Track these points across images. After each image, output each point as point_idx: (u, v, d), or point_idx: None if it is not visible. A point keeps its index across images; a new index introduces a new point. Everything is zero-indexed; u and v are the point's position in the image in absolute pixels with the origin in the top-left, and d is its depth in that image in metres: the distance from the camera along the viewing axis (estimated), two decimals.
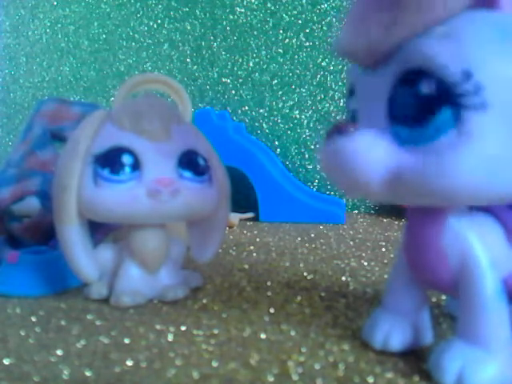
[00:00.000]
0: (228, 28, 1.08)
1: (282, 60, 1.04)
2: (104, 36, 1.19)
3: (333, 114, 1.01)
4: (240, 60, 1.07)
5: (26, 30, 1.28)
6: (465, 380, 0.24)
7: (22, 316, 0.35)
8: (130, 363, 0.28)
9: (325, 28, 1.01)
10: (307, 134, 1.02)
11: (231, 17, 1.07)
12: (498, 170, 0.21)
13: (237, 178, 0.64)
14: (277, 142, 1.04)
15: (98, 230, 0.45)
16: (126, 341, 0.31)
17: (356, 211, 1.01)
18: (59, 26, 1.24)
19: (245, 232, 0.75)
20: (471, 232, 0.25)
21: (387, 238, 0.69)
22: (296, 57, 1.03)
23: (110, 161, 0.35)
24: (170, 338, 0.31)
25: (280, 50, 1.04)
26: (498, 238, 0.26)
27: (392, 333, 0.29)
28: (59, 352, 0.29)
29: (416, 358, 0.29)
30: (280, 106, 1.04)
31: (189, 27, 1.11)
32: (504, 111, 0.20)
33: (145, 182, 0.35)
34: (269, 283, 0.45)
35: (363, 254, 0.58)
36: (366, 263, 0.53)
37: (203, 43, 1.10)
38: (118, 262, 0.39)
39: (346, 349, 0.30)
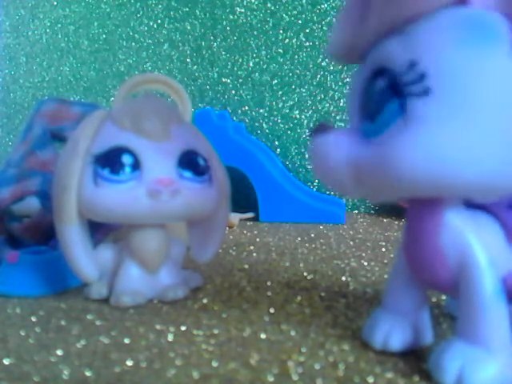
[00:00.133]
0: (228, 28, 1.08)
1: (281, 60, 1.04)
2: (104, 36, 1.19)
3: (333, 114, 1.01)
4: (240, 60, 1.07)
5: (26, 30, 1.28)
6: (465, 380, 0.24)
7: (22, 316, 0.35)
8: (129, 363, 0.28)
9: (325, 28, 1.01)
10: (307, 133, 1.02)
11: (231, 17, 1.07)
12: (446, 156, 0.20)
13: (237, 178, 0.64)
14: (277, 142, 1.04)
15: (98, 230, 0.45)
16: (126, 341, 0.31)
17: (356, 211, 1.01)
18: (59, 25, 1.24)
19: (245, 232, 0.75)
20: (470, 231, 0.25)
21: (387, 238, 0.69)
22: (296, 57, 1.03)
23: (110, 161, 0.35)
24: (170, 338, 0.31)
25: (280, 50, 1.04)
26: (498, 237, 0.26)
27: (392, 333, 0.29)
28: (59, 352, 0.29)
29: (416, 357, 0.29)
30: (280, 105, 1.04)
31: (189, 27, 1.11)
32: (448, 97, 0.20)
33: (145, 181, 0.35)
34: (269, 283, 0.45)
35: (363, 254, 0.58)
36: (365, 263, 0.53)
37: (203, 43, 1.10)
38: (118, 261, 0.39)
39: (346, 349, 0.30)
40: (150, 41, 1.15)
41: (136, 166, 0.35)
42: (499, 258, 0.25)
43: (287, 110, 1.04)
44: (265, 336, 0.32)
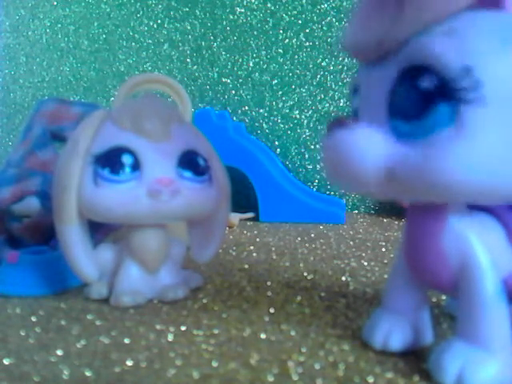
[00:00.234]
0: (228, 28, 1.08)
1: (281, 60, 1.04)
2: (104, 36, 1.19)
3: (333, 114, 1.01)
4: (240, 60, 1.07)
5: (26, 30, 1.28)
6: (465, 380, 0.24)
7: (22, 316, 0.35)
8: (130, 363, 0.28)
9: (325, 28, 1.01)
10: (307, 133, 1.02)
11: (231, 17, 1.07)
12: (496, 167, 0.21)
13: (237, 178, 0.64)
14: (277, 142, 1.04)
15: (98, 230, 0.45)
16: (126, 341, 0.31)
17: (356, 211, 1.01)
18: (59, 26, 1.24)
19: (245, 232, 0.75)
20: (471, 232, 0.25)
21: (387, 238, 0.69)
22: (296, 57, 1.03)
23: (110, 161, 0.35)
24: (170, 338, 0.31)
25: (280, 50, 1.04)
26: (499, 238, 0.26)
27: (392, 333, 0.29)
28: (59, 352, 0.29)
29: (416, 358, 0.29)
30: (280, 105, 1.04)
31: (189, 27, 1.11)
32: (502, 109, 0.20)
33: (145, 181, 0.35)
34: (269, 283, 0.45)
35: (363, 254, 0.58)
36: (365, 263, 0.53)
37: (203, 43, 1.10)
38: (118, 261, 0.39)
39: (345, 349, 0.30)
40: (150, 41, 1.15)
41: (136, 166, 0.35)
42: (501, 259, 0.25)
43: (287, 110, 1.03)
44: (265, 336, 0.32)
